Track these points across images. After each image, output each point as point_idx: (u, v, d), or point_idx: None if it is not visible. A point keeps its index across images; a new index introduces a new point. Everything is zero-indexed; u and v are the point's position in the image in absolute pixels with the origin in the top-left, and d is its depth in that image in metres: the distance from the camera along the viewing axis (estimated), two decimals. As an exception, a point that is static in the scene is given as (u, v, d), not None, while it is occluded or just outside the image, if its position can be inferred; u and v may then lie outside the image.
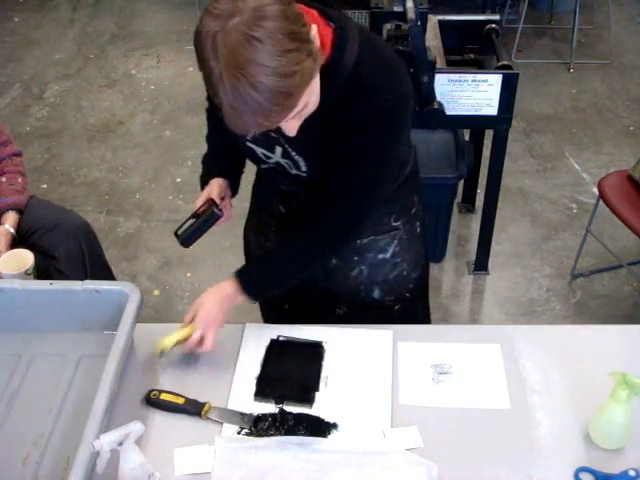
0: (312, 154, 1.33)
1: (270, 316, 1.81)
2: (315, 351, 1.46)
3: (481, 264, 2.87)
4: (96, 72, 4.23)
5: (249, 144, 1.38)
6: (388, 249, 1.57)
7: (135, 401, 1.36)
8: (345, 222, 1.38)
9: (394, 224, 1.55)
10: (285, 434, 1.29)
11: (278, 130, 1.20)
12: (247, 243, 1.79)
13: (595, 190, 2.86)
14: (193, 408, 1.33)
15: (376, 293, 1.61)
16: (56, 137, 3.70)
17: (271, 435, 1.29)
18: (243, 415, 1.33)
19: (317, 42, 1.12)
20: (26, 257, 1.92)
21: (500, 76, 2.34)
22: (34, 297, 1.44)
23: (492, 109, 2.40)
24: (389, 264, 1.58)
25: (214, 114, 1.35)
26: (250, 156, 1.44)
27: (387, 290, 1.61)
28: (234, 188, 1.57)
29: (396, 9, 2.27)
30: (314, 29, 1.11)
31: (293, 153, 1.33)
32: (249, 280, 1.42)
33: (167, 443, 1.28)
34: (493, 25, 2.61)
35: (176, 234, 1.48)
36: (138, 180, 3.40)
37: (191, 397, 1.35)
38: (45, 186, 3.36)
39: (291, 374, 1.41)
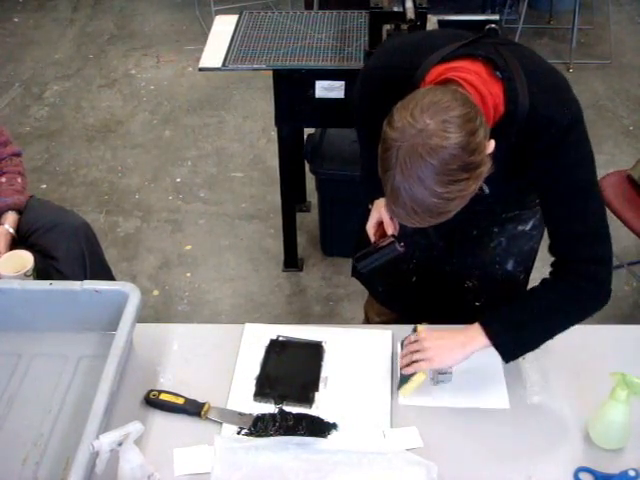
0: (496, 183, 1.32)
1: (395, 288, 1.78)
2: (315, 351, 1.46)
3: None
4: (96, 72, 4.22)
5: None
6: (529, 222, 1.60)
7: (135, 401, 1.36)
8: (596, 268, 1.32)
9: (538, 200, 1.52)
10: (285, 434, 1.29)
11: None
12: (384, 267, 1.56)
13: (595, 190, 2.85)
14: (193, 408, 1.33)
15: (510, 265, 1.64)
16: (56, 137, 3.69)
17: (271, 435, 1.29)
18: (243, 415, 1.33)
19: (489, 150, 1.14)
20: (26, 258, 1.92)
21: (500, 76, 2.33)
22: (34, 297, 1.44)
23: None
24: (526, 236, 1.62)
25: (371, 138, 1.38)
26: None
27: (519, 262, 1.64)
28: None
29: (396, 9, 2.26)
30: (491, 146, 1.14)
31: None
32: (501, 326, 1.33)
33: (167, 443, 1.28)
34: (493, 25, 2.60)
35: (356, 259, 1.47)
36: (138, 180, 3.40)
37: (191, 397, 1.35)
38: (45, 186, 3.36)
39: (291, 374, 1.41)
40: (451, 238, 1.61)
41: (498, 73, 1.24)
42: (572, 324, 1.33)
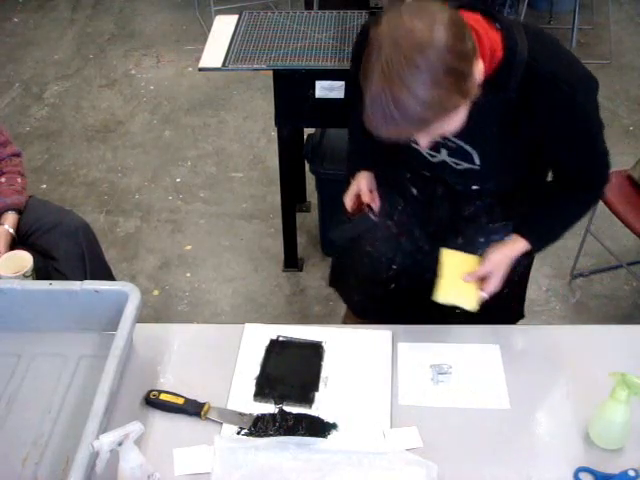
0: (488, 149, 1.33)
1: (371, 296, 1.77)
2: (315, 351, 1.46)
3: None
4: (96, 72, 4.22)
5: (414, 145, 1.37)
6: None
7: (135, 401, 1.36)
8: (599, 179, 1.45)
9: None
10: (285, 434, 1.29)
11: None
12: (375, 225, 1.70)
13: (595, 190, 2.85)
14: (193, 408, 1.33)
15: None
16: (56, 137, 3.69)
17: (271, 435, 1.29)
18: (243, 415, 1.33)
19: (479, 77, 1.14)
20: (25, 259, 1.92)
21: (500, 76, 2.33)
22: (34, 297, 1.44)
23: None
24: None
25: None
26: (413, 157, 1.46)
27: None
28: (378, 179, 1.58)
29: (396, 9, 2.28)
30: (479, 67, 1.13)
31: (467, 147, 1.35)
32: (532, 234, 1.47)
33: (167, 443, 1.28)
34: (493, 25, 2.61)
35: (330, 231, 1.50)
36: (137, 180, 3.40)
37: (191, 397, 1.35)
38: (45, 186, 3.36)
39: (291, 374, 1.41)
40: (437, 242, 1.58)
41: (497, 25, 1.23)
42: (582, 217, 1.52)
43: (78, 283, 1.42)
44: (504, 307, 1.61)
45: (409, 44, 1.04)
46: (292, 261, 2.86)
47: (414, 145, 1.37)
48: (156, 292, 2.81)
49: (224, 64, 2.35)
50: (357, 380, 1.40)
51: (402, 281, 1.69)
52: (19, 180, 2.19)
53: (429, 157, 1.43)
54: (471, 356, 1.44)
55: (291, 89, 2.36)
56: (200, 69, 2.40)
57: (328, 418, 1.33)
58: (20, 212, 2.14)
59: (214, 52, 2.42)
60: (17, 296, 1.43)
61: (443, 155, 1.41)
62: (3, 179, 2.17)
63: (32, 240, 2.12)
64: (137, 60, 4.33)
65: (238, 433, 1.30)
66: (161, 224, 3.15)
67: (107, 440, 1.09)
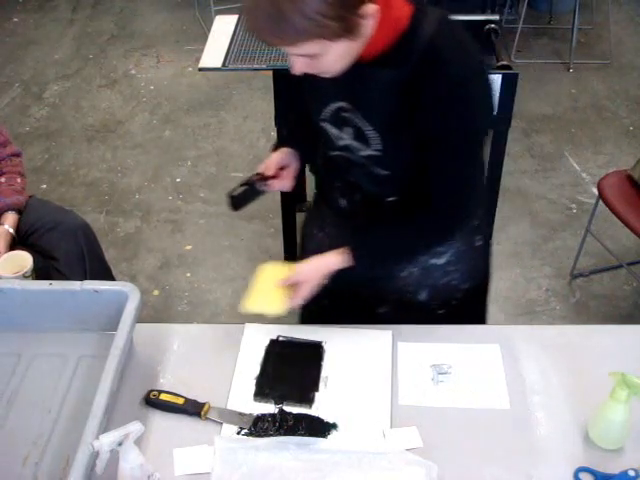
0: (389, 128, 1.32)
1: (306, 310, 1.72)
2: (315, 351, 1.46)
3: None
4: (95, 72, 4.23)
5: (322, 123, 1.41)
6: (443, 256, 1.53)
7: (135, 401, 1.36)
8: (452, 206, 1.39)
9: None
10: (285, 434, 1.29)
11: (351, 109, 1.30)
12: (303, 237, 1.77)
13: (595, 190, 2.86)
14: (193, 408, 1.33)
15: (423, 296, 1.58)
16: (56, 137, 3.70)
17: (271, 435, 1.29)
18: (243, 415, 1.33)
19: (369, 22, 1.15)
20: (24, 259, 1.92)
21: (500, 76, 2.33)
22: (33, 297, 1.44)
23: (492, 109, 2.39)
24: (441, 270, 1.55)
25: (297, 92, 1.42)
26: (324, 138, 1.46)
27: (434, 295, 1.58)
28: (305, 160, 1.59)
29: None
30: (371, 8, 1.13)
31: (369, 127, 1.33)
32: (360, 253, 1.43)
33: (167, 443, 1.28)
34: (492, 25, 2.61)
35: (229, 196, 1.52)
36: (137, 180, 3.40)
37: (191, 397, 1.35)
38: (45, 186, 3.36)
39: (291, 374, 1.41)
40: None
41: (413, 2, 1.25)
42: (418, 248, 1.48)
43: (78, 283, 1.42)
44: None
45: None
46: (292, 261, 2.86)
47: (323, 124, 1.40)
48: (156, 292, 2.81)
49: (224, 64, 2.35)
50: (357, 380, 1.40)
51: (335, 297, 1.60)
52: (19, 180, 2.20)
53: (335, 140, 1.41)
54: (471, 356, 1.44)
55: (291, 89, 2.36)
56: (200, 69, 2.40)
57: (328, 418, 1.33)
58: (20, 212, 2.14)
59: (214, 52, 2.42)
60: (17, 296, 1.43)
61: (348, 137, 1.38)
62: (3, 179, 2.17)
63: (32, 240, 2.12)
64: (137, 60, 4.33)
65: (238, 433, 1.30)
66: (161, 224, 3.15)
67: (107, 440, 1.09)
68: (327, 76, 1.25)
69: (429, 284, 1.57)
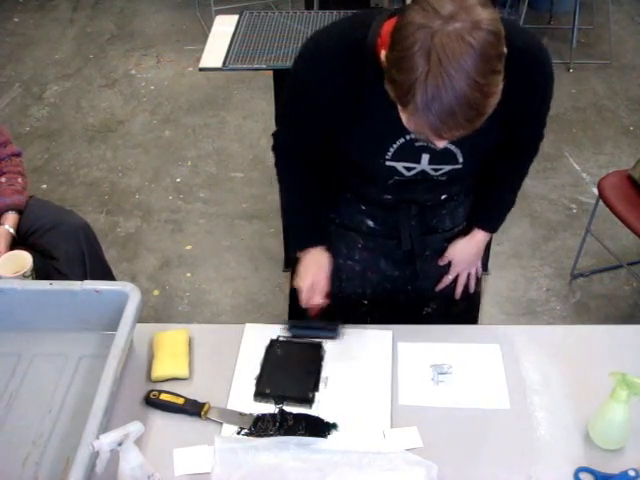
0: (474, 143, 1.26)
1: (346, 313, 1.61)
2: (315, 351, 1.46)
3: (481, 264, 2.86)
4: (96, 72, 4.23)
5: (388, 163, 1.34)
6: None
7: (135, 401, 1.36)
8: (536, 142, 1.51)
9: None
10: (285, 434, 1.29)
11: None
12: (337, 268, 1.59)
13: (595, 190, 2.86)
14: (193, 408, 1.33)
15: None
16: (56, 137, 3.70)
17: (271, 435, 1.29)
18: (243, 415, 1.33)
19: None
20: (25, 259, 1.92)
21: (500, 76, 2.33)
22: (34, 297, 1.44)
23: (492, 109, 2.39)
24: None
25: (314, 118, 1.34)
26: (385, 174, 1.38)
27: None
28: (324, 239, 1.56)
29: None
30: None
31: (451, 146, 1.30)
32: (491, 222, 1.57)
33: (167, 443, 1.28)
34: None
35: (290, 325, 1.50)
36: (138, 180, 3.40)
37: (191, 397, 1.35)
38: (45, 186, 3.36)
39: (291, 374, 1.41)
40: (404, 264, 1.56)
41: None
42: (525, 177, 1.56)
43: (78, 283, 1.42)
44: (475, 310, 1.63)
45: (464, 29, 0.99)
46: (292, 261, 2.86)
47: (390, 164, 1.34)
48: (156, 292, 2.81)
49: (224, 64, 2.35)
50: (357, 380, 1.40)
51: (375, 314, 1.64)
52: (19, 180, 2.19)
53: (405, 171, 1.36)
54: (471, 356, 1.44)
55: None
56: (200, 69, 2.40)
57: (328, 418, 1.33)
58: (20, 212, 2.14)
59: (214, 52, 2.42)
60: (17, 296, 1.43)
61: (423, 164, 1.34)
62: (3, 179, 2.17)
63: (32, 240, 2.12)
64: (137, 60, 4.33)
65: (238, 433, 1.30)
66: (161, 224, 3.15)
67: (107, 440, 1.09)
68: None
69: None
